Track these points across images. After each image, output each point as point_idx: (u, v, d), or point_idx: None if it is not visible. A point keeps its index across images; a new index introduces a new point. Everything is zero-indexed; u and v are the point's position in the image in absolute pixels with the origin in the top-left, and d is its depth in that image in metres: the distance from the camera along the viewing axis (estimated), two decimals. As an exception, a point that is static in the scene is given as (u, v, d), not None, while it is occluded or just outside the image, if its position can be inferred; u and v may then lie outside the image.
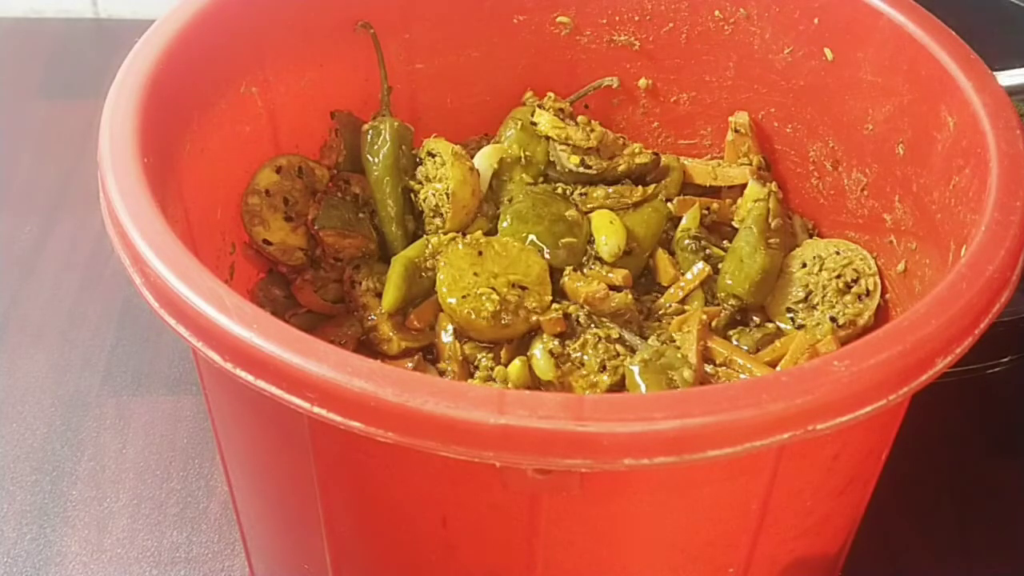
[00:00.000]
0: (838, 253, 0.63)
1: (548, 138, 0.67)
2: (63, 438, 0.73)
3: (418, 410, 0.39)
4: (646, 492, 0.44)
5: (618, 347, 0.58)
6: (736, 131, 0.68)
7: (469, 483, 0.44)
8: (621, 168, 0.67)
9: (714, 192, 0.70)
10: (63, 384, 0.77)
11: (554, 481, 0.41)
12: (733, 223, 0.67)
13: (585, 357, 0.58)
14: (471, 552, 0.47)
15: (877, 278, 0.62)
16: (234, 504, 0.59)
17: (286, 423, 0.45)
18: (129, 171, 0.47)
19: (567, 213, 0.64)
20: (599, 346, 0.58)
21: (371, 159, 0.65)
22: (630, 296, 0.60)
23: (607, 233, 0.63)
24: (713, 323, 0.61)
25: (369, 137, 0.66)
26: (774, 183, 0.67)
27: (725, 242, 0.66)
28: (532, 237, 0.62)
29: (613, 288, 0.61)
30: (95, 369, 0.78)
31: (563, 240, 0.62)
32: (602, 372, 0.57)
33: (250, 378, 0.41)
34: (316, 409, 0.40)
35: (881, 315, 0.62)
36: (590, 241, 0.63)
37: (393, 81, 0.68)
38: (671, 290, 0.63)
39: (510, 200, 0.65)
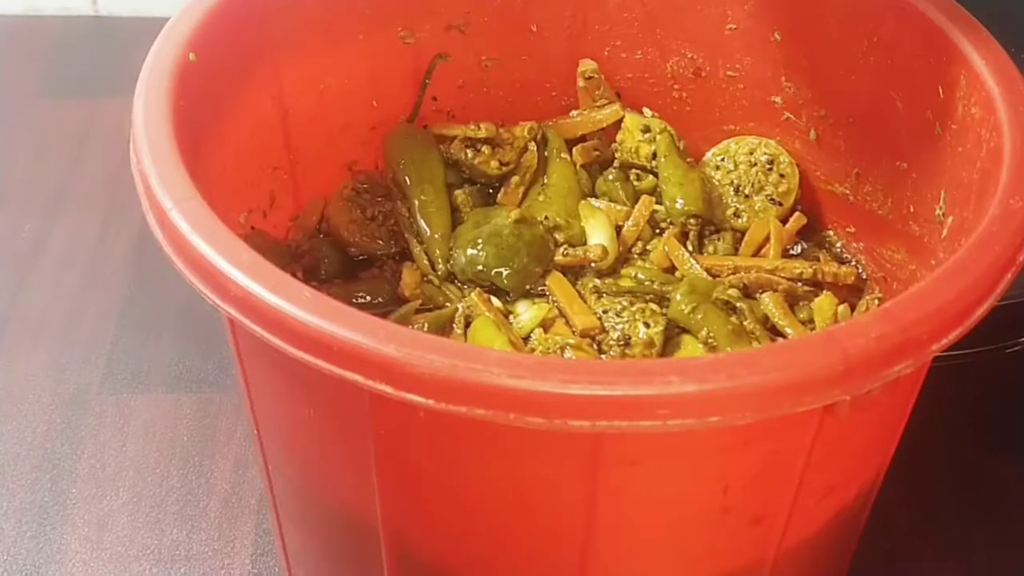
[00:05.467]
0: (736, 146, 0.66)
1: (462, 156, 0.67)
2: (63, 436, 0.73)
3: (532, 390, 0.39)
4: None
5: (652, 306, 0.59)
6: (587, 78, 0.68)
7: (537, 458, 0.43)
8: (510, 156, 0.67)
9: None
10: (63, 382, 0.77)
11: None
12: (618, 160, 0.68)
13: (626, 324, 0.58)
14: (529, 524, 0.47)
15: (786, 154, 0.65)
16: (272, 502, 0.58)
17: (345, 406, 0.45)
18: (167, 155, 0.46)
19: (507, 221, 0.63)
20: (634, 310, 0.59)
21: (405, 166, 0.65)
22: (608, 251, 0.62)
23: (596, 230, 0.64)
24: (688, 245, 0.63)
25: (402, 144, 0.66)
26: (647, 110, 0.68)
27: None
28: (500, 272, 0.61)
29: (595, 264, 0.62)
30: (95, 367, 0.77)
31: (516, 259, 0.62)
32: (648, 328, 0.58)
33: (321, 363, 0.40)
34: (385, 389, 0.40)
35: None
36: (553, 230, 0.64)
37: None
38: (625, 235, 0.64)
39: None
